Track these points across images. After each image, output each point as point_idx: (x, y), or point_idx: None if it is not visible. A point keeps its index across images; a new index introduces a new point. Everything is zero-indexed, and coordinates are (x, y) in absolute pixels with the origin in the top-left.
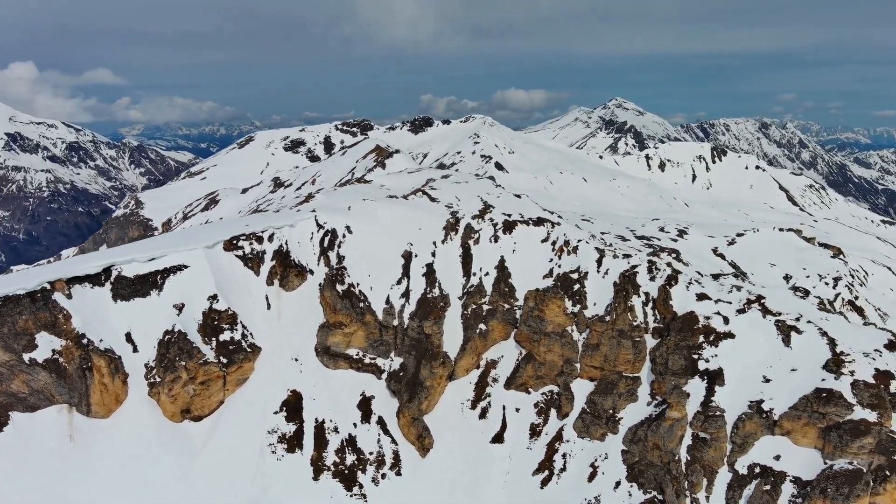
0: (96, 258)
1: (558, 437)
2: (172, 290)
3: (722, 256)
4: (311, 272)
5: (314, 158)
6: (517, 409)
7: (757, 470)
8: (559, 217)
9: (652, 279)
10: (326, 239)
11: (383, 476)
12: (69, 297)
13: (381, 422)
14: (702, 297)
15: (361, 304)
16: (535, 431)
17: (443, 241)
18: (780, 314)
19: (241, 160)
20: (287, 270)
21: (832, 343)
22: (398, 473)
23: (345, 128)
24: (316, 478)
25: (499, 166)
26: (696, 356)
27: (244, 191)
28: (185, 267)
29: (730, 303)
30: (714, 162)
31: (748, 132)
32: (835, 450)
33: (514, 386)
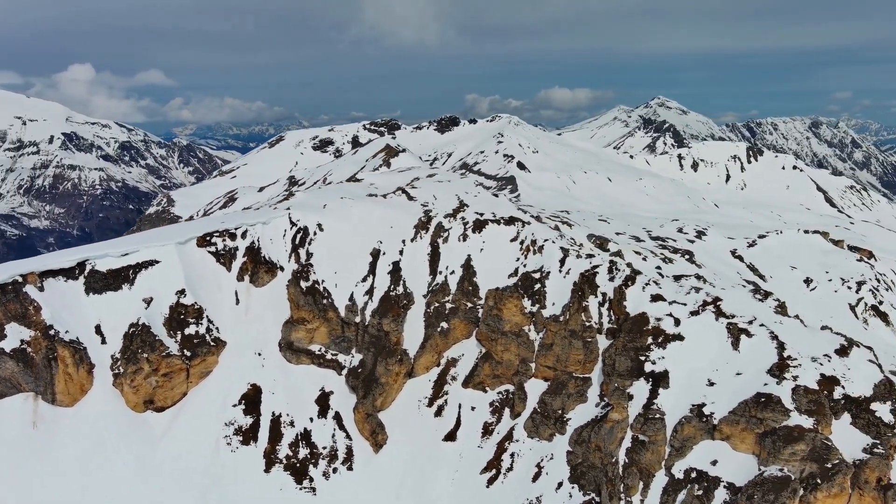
0: (73, 253)
1: (509, 436)
2: (143, 284)
3: (740, 258)
4: (282, 269)
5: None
6: (472, 408)
7: (693, 475)
8: (532, 216)
9: (611, 279)
10: (298, 236)
11: (334, 470)
12: (41, 289)
13: (337, 417)
14: (656, 298)
15: (325, 301)
16: (487, 430)
17: (412, 240)
18: (733, 316)
19: (270, 159)
20: (257, 267)
21: (781, 347)
22: (349, 468)
23: (373, 127)
24: (267, 470)
25: (521, 166)
26: (643, 358)
27: (261, 189)
28: (157, 262)
29: (685, 304)
30: (749, 162)
31: (797, 132)
32: (769, 456)
33: (471, 384)
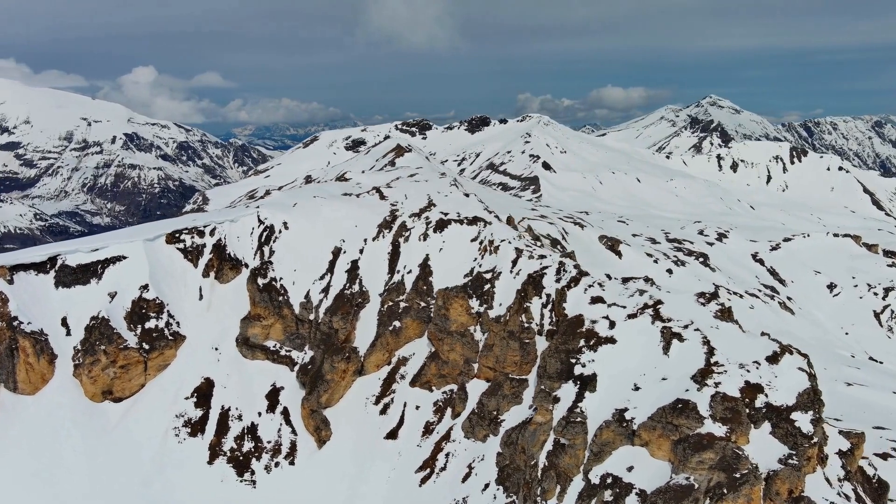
0: (46, 248)
1: (447, 436)
2: (110, 279)
3: (761, 262)
4: (247, 266)
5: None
6: (417, 407)
7: (609, 480)
8: (496, 216)
9: (558, 281)
10: (264, 234)
11: (276, 464)
12: (10, 282)
13: (285, 412)
14: (596, 300)
15: (280, 298)
16: (428, 430)
17: (374, 239)
18: (669, 320)
19: (304, 159)
20: (223, 264)
21: (710, 353)
22: (291, 463)
23: (404, 127)
24: (211, 462)
25: (546, 166)
26: (573, 360)
27: (280, 188)
28: (124, 258)
29: (624, 307)
30: (793, 162)
31: (858, 131)
32: (680, 464)
33: (418, 384)
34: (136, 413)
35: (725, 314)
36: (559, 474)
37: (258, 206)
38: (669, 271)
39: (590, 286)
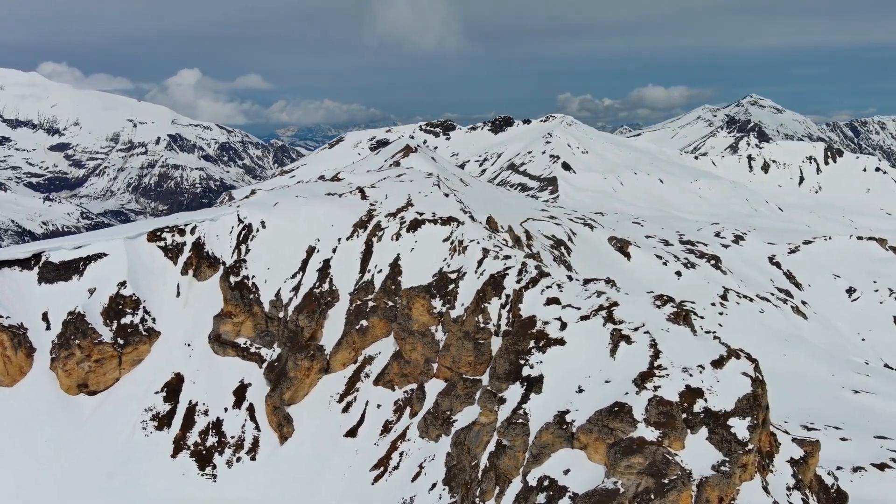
0: (33, 245)
1: (403, 435)
2: (91, 275)
3: (778, 265)
4: (224, 264)
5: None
6: (378, 406)
7: (546, 483)
8: (471, 216)
9: (518, 282)
10: (243, 233)
11: (238, 459)
12: None
13: (250, 408)
14: (552, 301)
15: (251, 296)
16: (386, 428)
17: (348, 238)
18: (621, 322)
19: (329, 159)
20: (201, 262)
21: (655, 356)
22: (253, 458)
23: (428, 128)
24: (174, 455)
25: (566, 166)
26: (522, 361)
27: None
28: (105, 255)
29: (579, 308)
30: (827, 163)
31: None
32: (611, 468)
33: (381, 382)
34: (108, 406)
35: (680, 317)
36: (499, 475)
37: (238, 205)
38: (678, 273)
39: (548, 287)
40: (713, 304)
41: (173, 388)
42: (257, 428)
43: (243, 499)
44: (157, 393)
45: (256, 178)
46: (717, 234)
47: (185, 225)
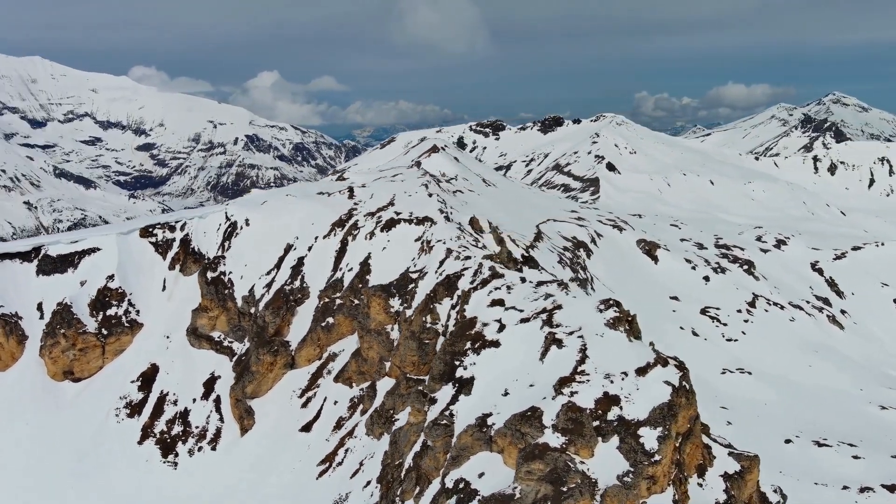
0: (35, 239)
1: (351, 432)
2: (84, 268)
3: (820, 272)
4: (209, 260)
5: (456, 158)
6: (335, 402)
7: (461, 485)
8: (447, 217)
9: (472, 282)
10: (228, 230)
11: (199, 449)
12: None
13: (217, 400)
14: (496, 302)
15: (226, 292)
16: (339, 425)
17: (324, 237)
18: (558, 326)
19: (379, 160)
20: (187, 257)
21: (581, 361)
22: (213, 448)
23: (478, 128)
24: (140, 442)
25: (610, 167)
26: (457, 362)
27: None
28: (98, 249)
29: (522, 311)
30: None
31: None
32: (515, 473)
33: (341, 380)
34: (88, 393)
35: (619, 322)
36: (420, 476)
37: (227, 203)
38: (706, 278)
39: (496, 288)
40: (739, 311)
41: (148, 378)
42: (221, 419)
43: (198, 487)
44: (132, 382)
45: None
46: (759, 239)
47: (176, 222)
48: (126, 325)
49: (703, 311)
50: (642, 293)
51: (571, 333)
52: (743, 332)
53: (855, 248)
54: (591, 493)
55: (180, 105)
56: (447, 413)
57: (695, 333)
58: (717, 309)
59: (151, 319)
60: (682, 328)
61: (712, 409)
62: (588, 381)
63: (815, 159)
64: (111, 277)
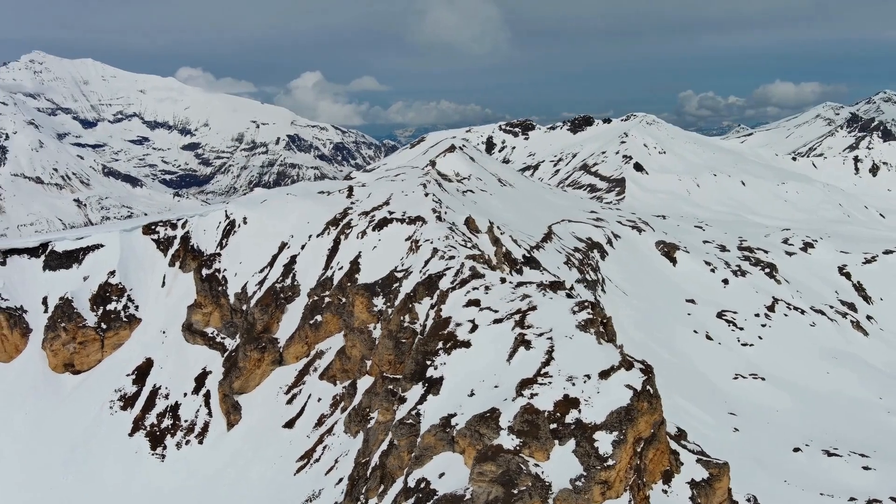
0: (43, 236)
1: (330, 429)
2: (87, 264)
3: (847, 276)
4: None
5: (472, 157)
6: (319, 399)
7: (422, 485)
8: (438, 217)
9: (452, 282)
10: (227, 228)
11: (187, 442)
12: (3, 263)
13: (207, 395)
14: (472, 303)
15: (220, 288)
16: (320, 422)
17: (318, 235)
18: (529, 327)
19: (407, 159)
20: (186, 254)
21: (546, 363)
22: (200, 442)
23: (507, 128)
24: (131, 434)
25: (638, 167)
26: (428, 362)
27: None
28: (101, 246)
29: (496, 311)
30: None
31: None
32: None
33: (326, 377)
34: (86, 385)
35: (591, 324)
36: (385, 475)
37: (227, 202)
38: (725, 281)
39: (475, 289)
40: (757, 315)
41: (143, 372)
42: (209, 414)
43: (182, 480)
44: (127, 375)
45: None
46: (785, 241)
47: (178, 220)
48: (124, 319)
49: (720, 315)
50: (657, 295)
51: (541, 335)
52: (759, 337)
53: (887, 252)
54: (541, 496)
55: (224, 105)
56: (414, 413)
57: (709, 337)
58: (735, 313)
59: (149, 315)
60: (695, 331)
61: (719, 415)
62: (550, 383)
63: (857, 160)
64: (112, 273)
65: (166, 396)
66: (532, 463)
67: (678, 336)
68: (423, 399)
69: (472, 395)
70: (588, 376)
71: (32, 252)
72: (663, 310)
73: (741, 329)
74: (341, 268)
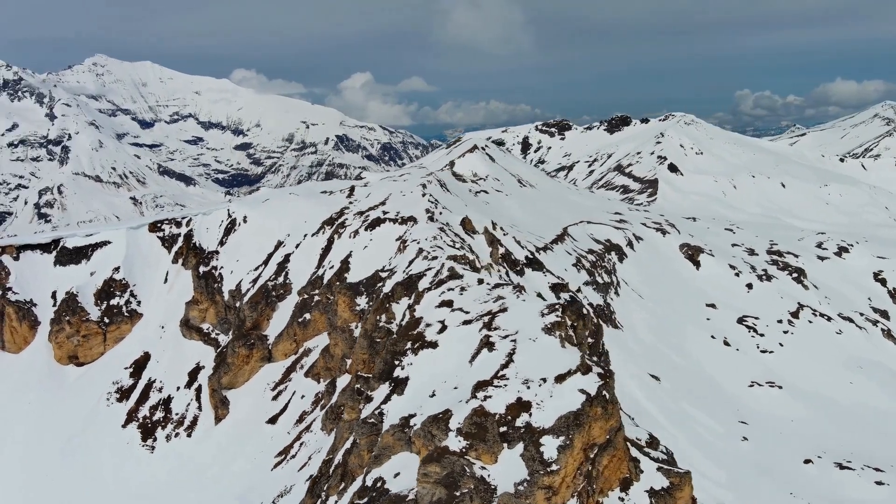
0: (55, 233)
1: (309, 426)
2: (95, 260)
3: (883, 282)
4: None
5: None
6: (302, 396)
7: (379, 484)
8: (430, 217)
9: (431, 282)
10: (228, 226)
11: (177, 434)
12: (16, 259)
13: (198, 389)
14: (445, 303)
15: (215, 285)
16: (301, 419)
17: (313, 234)
18: (496, 329)
19: (444, 160)
20: (189, 252)
21: (504, 365)
22: (189, 435)
23: (543, 128)
24: (125, 426)
25: (672, 168)
26: (396, 362)
27: None
28: (108, 243)
29: (467, 312)
30: None
31: None
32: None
33: (311, 375)
34: (88, 377)
35: (557, 327)
36: (346, 473)
37: (230, 201)
38: (749, 286)
39: (450, 289)
40: (779, 322)
41: (140, 365)
42: (199, 408)
43: (167, 472)
44: (126, 368)
45: None
46: (819, 245)
47: (182, 218)
48: (126, 314)
49: (741, 321)
50: (676, 299)
51: (506, 337)
52: (780, 344)
53: None
54: (484, 499)
55: (276, 106)
56: (377, 412)
57: (726, 343)
58: (756, 318)
59: (151, 310)
60: (713, 337)
61: (729, 423)
62: (506, 385)
63: None
64: (117, 269)
65: (160, 390)
66: (478, 465)
67: (693, 341)
68: (387, 399)
69: (433, 395)
70: (544, 380)
71: (45, 248)
72: (681, 314)
73: (762, 335)
74: (332, 267)
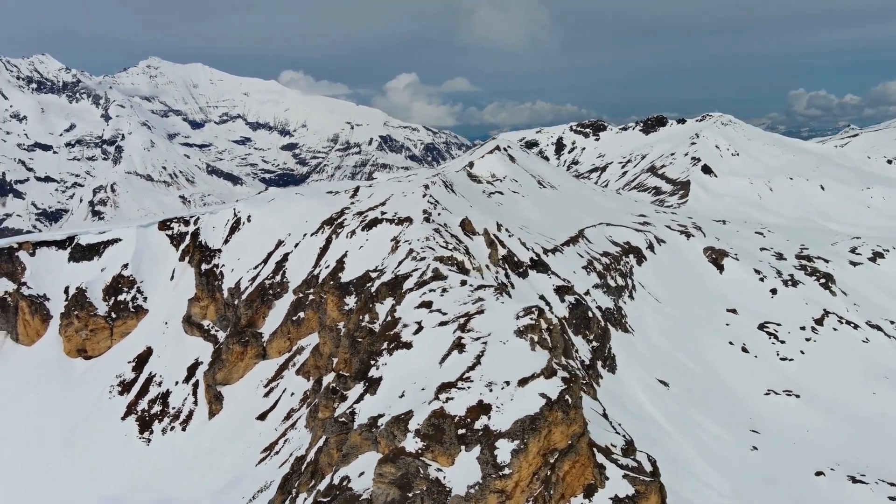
0: (71, 230)
1: (295, 424)
2: (107, 257)
3: None
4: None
5: (544, 158)
6: (292, 394)
7: (344, 483)
8: (427, 218)
9: (415, 283)
10: (233, 225)
11: (172, 428)
12: (32, 254)
13: (195, 384)
14: (424, 304)
15: (216, 283)
16: (289, 416)
17: (313, 234)
18: (469, 331)
19: (468, 161)
20: (195, 250)
21: (472, 367)
22: (184, 429)
23: (578, 128)
24: (124, 418)
25: (706, 169)
26: (372, 362)
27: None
28: (119, 240)
29: (445, 314)
30: None
31: None
32: None
33: (301, 373)
34: (94, 370)
35: (530, 330)
36: (316, 471)
37: (237, 200)
38: (773, 291)
39: (431, 290)
40: (802, 329)
41: (142, 360)
42: (195, 403)
43: (161, 466)
44: (129, 362)
45: None
46: (853, 250)
47: (190, 217)
48: (132, 310)
49: (762, 327)
50: (695, 303)
51: (478, 339)
52: (801, 352)
53: None
54: (436, 500)
55: (322, 107)
56: (349, 411)
57: (745, 350)
58: (778, 325)
59: (156, 306)
60: (731, 343)
61: (738, 431)
62: (469, 388)
63: None
64: (126, 266)
65: (159, 384)
66: (434, 467)
67: (710, 347)
68: (360, 398)
69: (402, 396)
70: (507, 382)
71: (60, 244)
72: (699, 318)
73: (782, 342)
74: (328, 266)
